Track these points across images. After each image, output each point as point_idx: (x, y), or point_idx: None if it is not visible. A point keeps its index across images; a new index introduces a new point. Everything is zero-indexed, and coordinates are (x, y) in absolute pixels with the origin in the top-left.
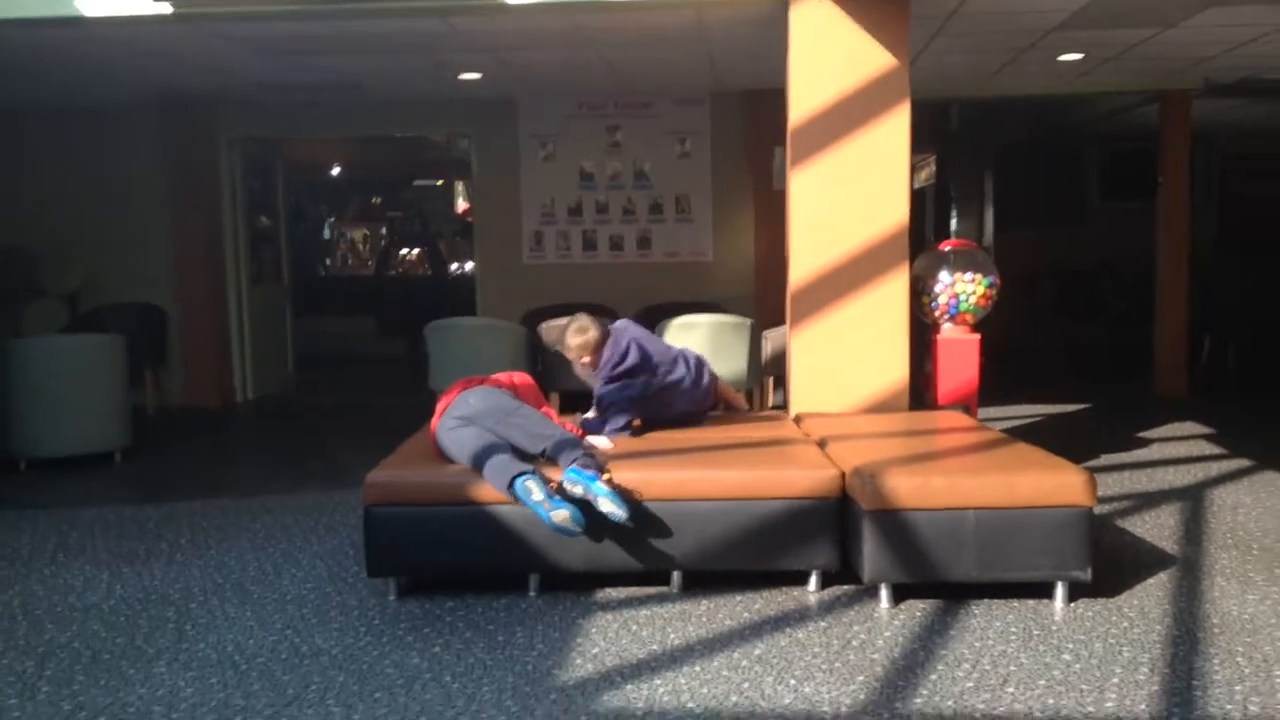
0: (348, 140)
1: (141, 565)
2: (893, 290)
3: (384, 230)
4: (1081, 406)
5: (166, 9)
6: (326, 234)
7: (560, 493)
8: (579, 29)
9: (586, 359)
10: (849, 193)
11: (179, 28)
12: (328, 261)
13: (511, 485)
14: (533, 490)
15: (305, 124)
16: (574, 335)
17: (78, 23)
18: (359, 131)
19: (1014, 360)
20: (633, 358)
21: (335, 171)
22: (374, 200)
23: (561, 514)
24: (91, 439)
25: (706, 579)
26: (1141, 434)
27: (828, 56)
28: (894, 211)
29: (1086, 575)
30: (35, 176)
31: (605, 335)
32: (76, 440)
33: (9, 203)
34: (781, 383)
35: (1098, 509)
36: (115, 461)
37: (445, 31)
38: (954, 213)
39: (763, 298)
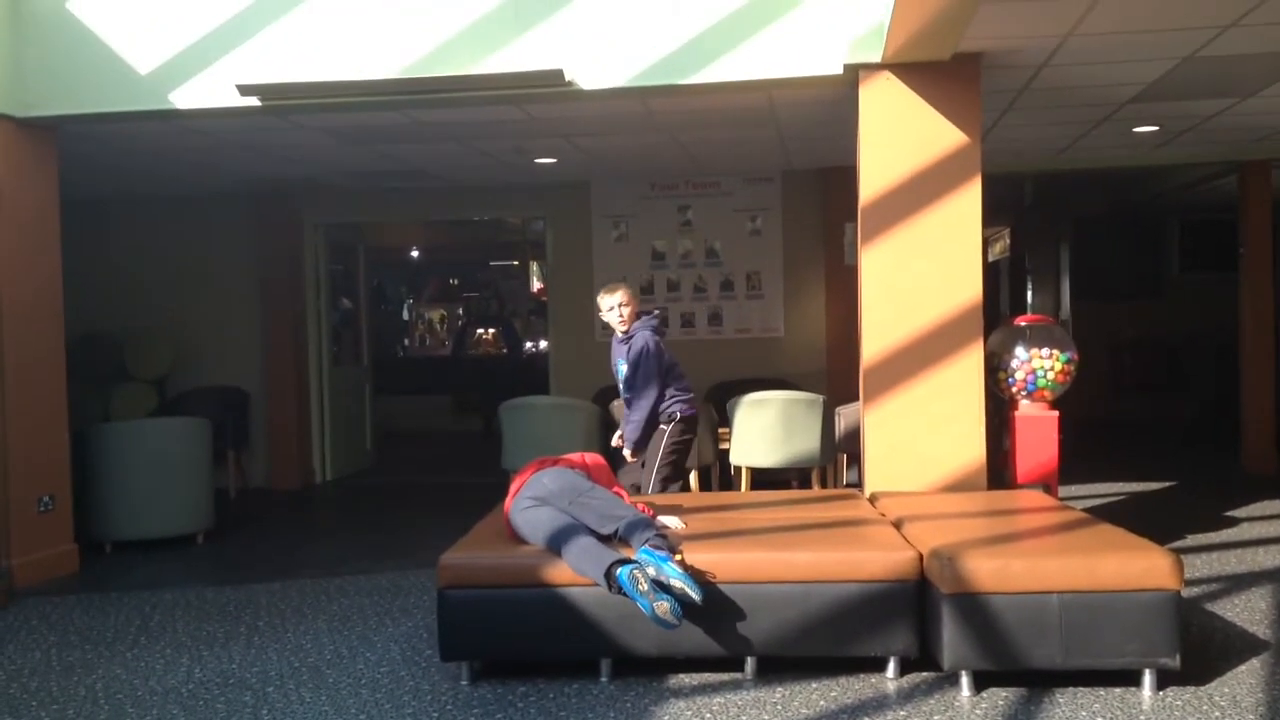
0: (427, 223)
1: (220, 648)
2: (968, 366)
3: (460, 310)
4: (1166, 484)
5: (255, 102)
6: (405, 315)
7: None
8: (651, 113)
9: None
10: (921, 268)
11: (266, 119)
12: (406, 342)
13: (611, 573)
14: (639, 580)
15: (386, 209)
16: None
17: (171, 115)
18: (437, 215)
19: (1095, 436)
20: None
21: (414, 253)
22: (451, 281)
23: (664, 606)
24: (175, 522)
25: (782, 665)
26: (1229, 512)
27: (898, 133)
28: (968, 286)
29: (1175, 662)
30: (124, 263)
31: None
32: (160, 523)
33: (99, 289)
34: (855, 460)
35: (1185, 592)
36: (198, 543)
37: (521, 119)
38: (1030, 286)
39: (835, 374)
